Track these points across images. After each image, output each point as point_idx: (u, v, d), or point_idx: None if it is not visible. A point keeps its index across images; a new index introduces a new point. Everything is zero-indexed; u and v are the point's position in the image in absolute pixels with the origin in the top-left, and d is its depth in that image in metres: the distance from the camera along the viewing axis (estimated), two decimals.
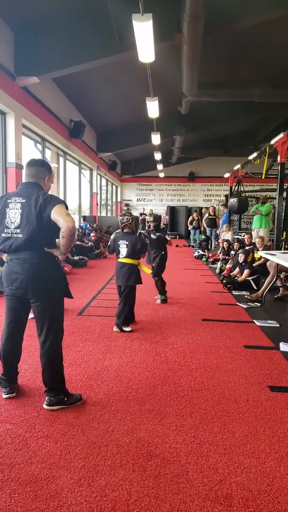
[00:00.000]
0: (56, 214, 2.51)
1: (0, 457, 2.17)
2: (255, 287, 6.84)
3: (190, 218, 16.74)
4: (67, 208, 2.61)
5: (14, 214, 2.60)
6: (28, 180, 2.75)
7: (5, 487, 1.95)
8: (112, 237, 4.80)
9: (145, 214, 21.72)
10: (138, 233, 4.97)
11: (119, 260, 4.66)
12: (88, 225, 13.38)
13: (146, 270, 5.00)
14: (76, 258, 9.52)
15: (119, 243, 4.65)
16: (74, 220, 2.57)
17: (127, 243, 4.60)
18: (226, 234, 11.82)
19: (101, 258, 11.62)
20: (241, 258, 7.29)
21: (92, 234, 12.11)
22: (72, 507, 1.83)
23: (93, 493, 1.91)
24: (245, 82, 9.53)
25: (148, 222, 6.07)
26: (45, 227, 2.57)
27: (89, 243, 11.47)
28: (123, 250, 4.61)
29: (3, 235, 2.64)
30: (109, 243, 4.81)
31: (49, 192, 2.82)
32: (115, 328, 4.51)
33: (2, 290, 2.77)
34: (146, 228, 6.34)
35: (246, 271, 7.06)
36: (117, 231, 4.86)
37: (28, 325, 2.91)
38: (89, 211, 15.77)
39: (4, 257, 2.76)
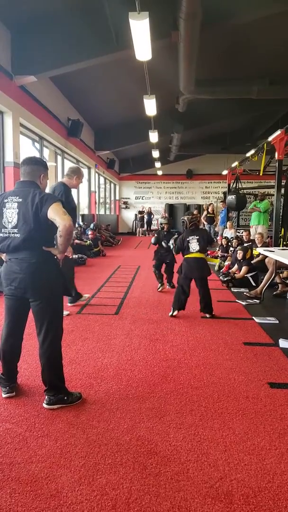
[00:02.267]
0: (53, 213, 2.50)
1: (0, 457, 2.17)
2: (253, 284, 6.85)
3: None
4: (64, 206, 2.61)
5: (11, 214, 2.60)
6: (24, 179, 2.75)
7: (5, 486, 1.95)
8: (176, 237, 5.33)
9: (144, 212, 21.76)
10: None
11: (190, 256, 5.02)
12: (82, 224, 13.30)
13: (213, 261, 5.46)
14: (75, 256, 9.51)
15: (188, 239, 5.03)
16: (71, 218, 2.57)
17: (197, 237, 5.02)
18: (227, 231, 11.80)
19: (99, 256, 11.61)
20: (239, 255, 7.30)
21: (89, 233, 12.09)
22: (72, 506, 1.83)
23: (94, 492, 1.92)
24: (242, 79, 9.52)
25: (162, 224, 6.72)
26: (42, 227, 2.57)
27: (88, 242, 11.46)
28: (195, 245, 5.00)
29: (1, 234, 2.64)
30: (176, 242, 5.20)
31: (47, 190, 2.81)
32: (178, 311, 5.00)
33: (1, 289, 2.76)
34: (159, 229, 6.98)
35: (244, 268, 7.07)
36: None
37: (28, 324, 2.91)
38: (88, 209, 15.75)
39: (3, 256, 2.75)
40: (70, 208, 4.90)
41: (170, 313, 5.03)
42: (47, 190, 3.06)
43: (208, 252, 11.30)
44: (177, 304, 5.03)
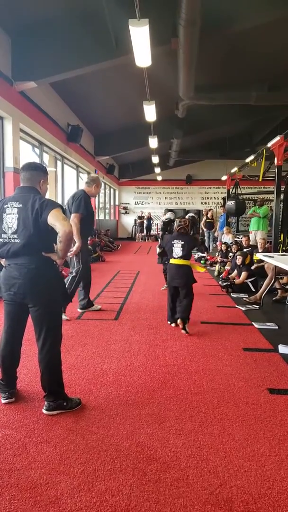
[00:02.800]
0: (52, 219, 2.51)
1: (0, 463, 2.16)
2: (253, 290, 6.85)
3: None
4: (64, 212, 2.62)
5: (11, 219, 2.61)
6: (24, 185, 2.76)
7: (4, 493, 1.94)
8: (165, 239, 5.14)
9: (143, 217, 21.78)
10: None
11: (173, 261, 4.77)
12: None
13: (199, 269, 5.18)
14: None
15: (173, 242, 4.78)
16: (71, 224, 2.57)
17: (182, 242, 4.73)
18: (226, 237, 11.82)
19: (99, 261, 11.61)
20: (239, 260, 7.30)
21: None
22: None
23: (93, 498, 1.91)
24: (241, 85, 9.58)
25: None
26: (42, 232, 2.57)
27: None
28: (178, 250, 4.73)
29: (0, 240, 2.65)
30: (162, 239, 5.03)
31: (47, 195, 2.81)
32: (176, 324, 4.71)
33: (0, 295, 2.76)
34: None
35: (243, 273, 7.07)
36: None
37: (27, 330, 2.91)
38: None
39: (3, 262, 2.76)
40: (88, 214, 5.01)
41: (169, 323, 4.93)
42: (58, 196, 3.07)
43: (208, 257, 11.32)
44: (171, 318, 4.86)
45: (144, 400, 2.91)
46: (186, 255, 4.74)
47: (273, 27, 7.34)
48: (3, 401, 2.83)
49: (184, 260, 4.73)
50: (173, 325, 4.83)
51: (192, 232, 5.76)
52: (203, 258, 11.67)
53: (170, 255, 4.81)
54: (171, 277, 4.80)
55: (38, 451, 2.27)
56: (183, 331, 4.54)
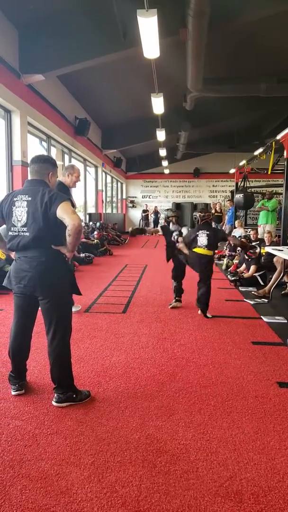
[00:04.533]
0: (61, 212, 2.51)
1: (10, 454, 2.18)
2: (262, 283, 6.82)
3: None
4: (73, 205, 2.61)
5: (20, 213, 2.61)
6: (33, 177, 2.76)
7: (16, 483, 1.96)
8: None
9: (148, 211, 21.73)
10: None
11: (197, 250, 5.01)
12: (90, 224, 13.30)
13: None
14: (82, 255, 9.53)
15: (198, 233, 5.04)
16: (80, 217, 2.57)
17: (207, 232, 5.02)
18: (237, 231, 11.75)
19: (106, 255, 11.63)
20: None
21: (95, 233, 12.09)
22: (82, 503, 1.83)
23: (103, 489, 1.92)
24: (250, 77, 9.48)
25: (168, 218, 6.14)
26: (51, 225, 2.57)
27: (95, 241, 11.47)
28: (203, 239, 4.98)
29: (10, 233, 2.66)
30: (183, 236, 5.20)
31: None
32: (199, 312, 5.01)
33: (10, 288, 2.77)
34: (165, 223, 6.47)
35: (252, 267, 7.03)
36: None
37: (36, 322, 2.92)
38: (95, 208, 15.78)
39: (13, 255, 2.77)
40: None
41: (171, 303, 5.30)
42: None
43: (216, 251, 11.26)
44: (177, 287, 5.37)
45: (153, 393, 2.92)
46: (211, 246, 5.01)
47: (282, 19, 7.24)
48: (13, 393, 2.85)
49: (208, 251, 5.00)
50: (177, 303, 5.33)
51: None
52: None
53: (194, 245, 5.03)
54: (194, 263, 5.04)
55: (48, 442, 2.29)
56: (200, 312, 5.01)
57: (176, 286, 5.47)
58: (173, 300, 5.44)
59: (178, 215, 6.13)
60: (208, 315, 4.93)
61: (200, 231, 5.04)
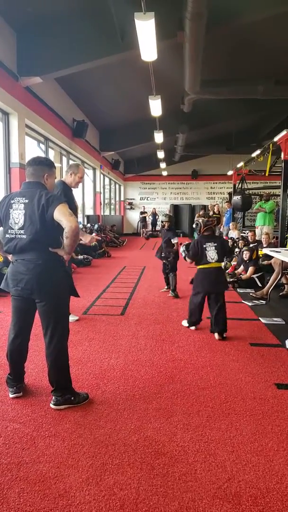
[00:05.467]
0: (58, 215, 2.50)
1: (8, 456, 2.17)
2: (260, 285, 6.82)
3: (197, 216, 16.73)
4: (75, 206, 2.61)
5: (17, 215, 2.60)
6: (30, 180, 2.75)
7: (13, 486, 1.95)
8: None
9: (146, 213, 21.73)
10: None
11: (209, 266, 4.37)
12: (88, 225, 13.30)
13: None
14: (80, 257, 9.53)
15: (205, 246, 4.37)
16: (77, 220, 2.57)
17: (215, 244, 4.38)
18: (232, 232, 11.78)
19: (105, 257, 11.62)
20: (245, 255, 7.27)
21: (93, 234, 12.09)
22: (80, 506, 1.83)
23: (102, 492, 1.92)
24: (247, 79, 9.50)
25: (162, 222, 6.45)
26: (49, 228, 2.57)
27: (93, 243, 11.45)
28: (213, 253, 4.35)
29: (7, 236, 2.65)
30: (188, 248, 4.53)
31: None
32: (217, 336, 4.21)
33: (8, 290, 2.77)
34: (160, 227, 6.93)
35: (250, 269, 7.04)
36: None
37: (34, 325, 2.92)
38: (93, 210, 15.78)
39: (10, 257, 2.76)
40: (71, 208, 4.75)
41: (186, 324, 4.65)
42: None
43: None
44: (194, 318, 4.53)
45: (152, 395, 2.91)
46: (221, 258, 4.44)
47: (280, 20, 7.27)
48: (11, 396, 2.84)
49: (219, 263, 4.44)
50: (192, 327, 4.57)
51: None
52: None
53: (203, 260, 4.38)
54: (210, 283, 4.38)
55: (46, 445, 2.28)
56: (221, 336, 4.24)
57: (165, 277, 6.49)
58: (165, 287, 6.57)
59: (171, 220, 6.36)
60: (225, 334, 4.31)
61: (207, 244, 4.37)
